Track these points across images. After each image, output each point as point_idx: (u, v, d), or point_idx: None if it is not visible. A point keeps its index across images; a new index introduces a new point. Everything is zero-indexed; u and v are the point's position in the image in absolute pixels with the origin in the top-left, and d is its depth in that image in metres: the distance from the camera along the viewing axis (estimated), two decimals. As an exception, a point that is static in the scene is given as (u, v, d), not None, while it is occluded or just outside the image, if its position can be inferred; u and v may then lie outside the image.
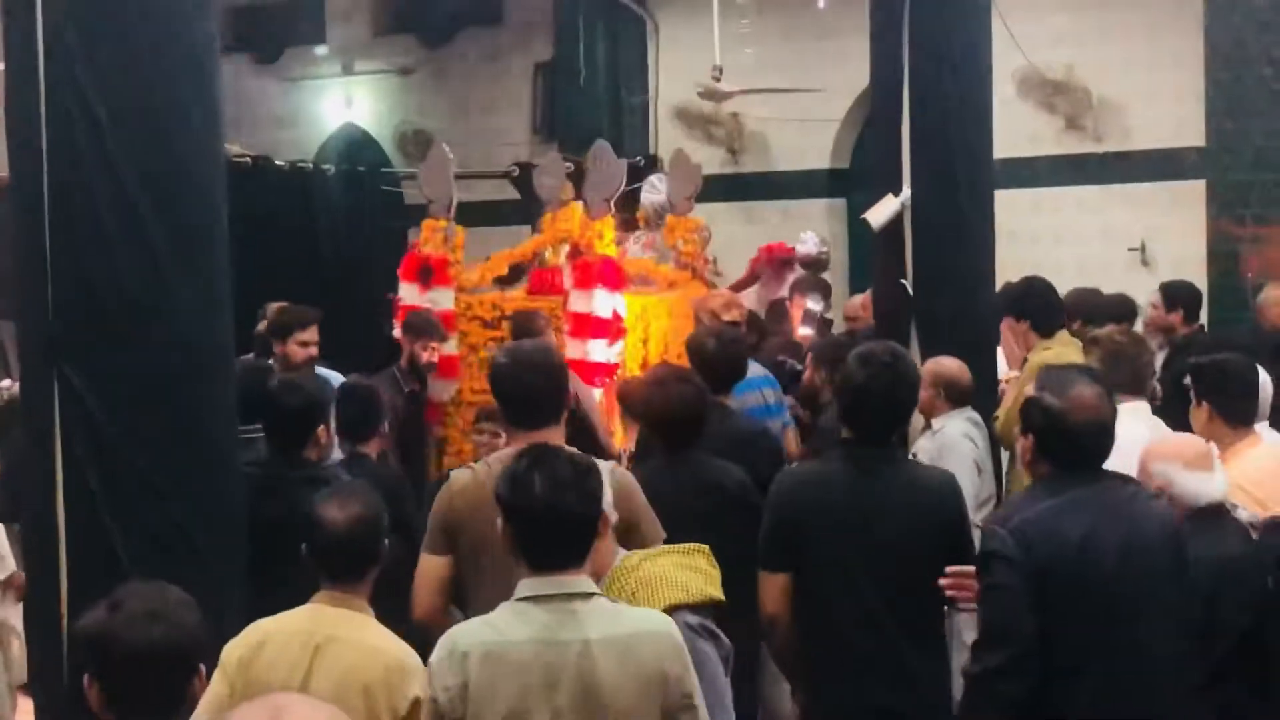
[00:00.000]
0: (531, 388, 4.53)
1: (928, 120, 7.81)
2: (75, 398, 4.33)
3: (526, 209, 12.34)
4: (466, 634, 3.64)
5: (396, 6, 17.07)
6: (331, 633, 3.95)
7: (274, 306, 8.79)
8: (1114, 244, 12.60)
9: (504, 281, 9.94)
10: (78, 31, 4.43)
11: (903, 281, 7.62)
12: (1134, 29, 12.67)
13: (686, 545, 4.12)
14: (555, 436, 4.46)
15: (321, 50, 17.66)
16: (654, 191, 11.37)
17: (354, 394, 6.61)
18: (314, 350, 7.81)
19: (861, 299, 9.55)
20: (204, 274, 4.63)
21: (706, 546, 4.14)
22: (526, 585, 3.61)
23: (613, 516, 3.88)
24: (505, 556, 3.72)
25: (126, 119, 4.49)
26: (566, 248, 9.61)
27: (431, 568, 4.48)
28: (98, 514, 4.15)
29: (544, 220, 9.90)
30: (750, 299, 10.84)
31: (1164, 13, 12.44)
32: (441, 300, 9.23)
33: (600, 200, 9.34)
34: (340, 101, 17.50)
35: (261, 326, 8.75)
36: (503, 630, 3.57)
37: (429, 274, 9.28)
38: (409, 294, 9.31)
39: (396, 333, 9.10)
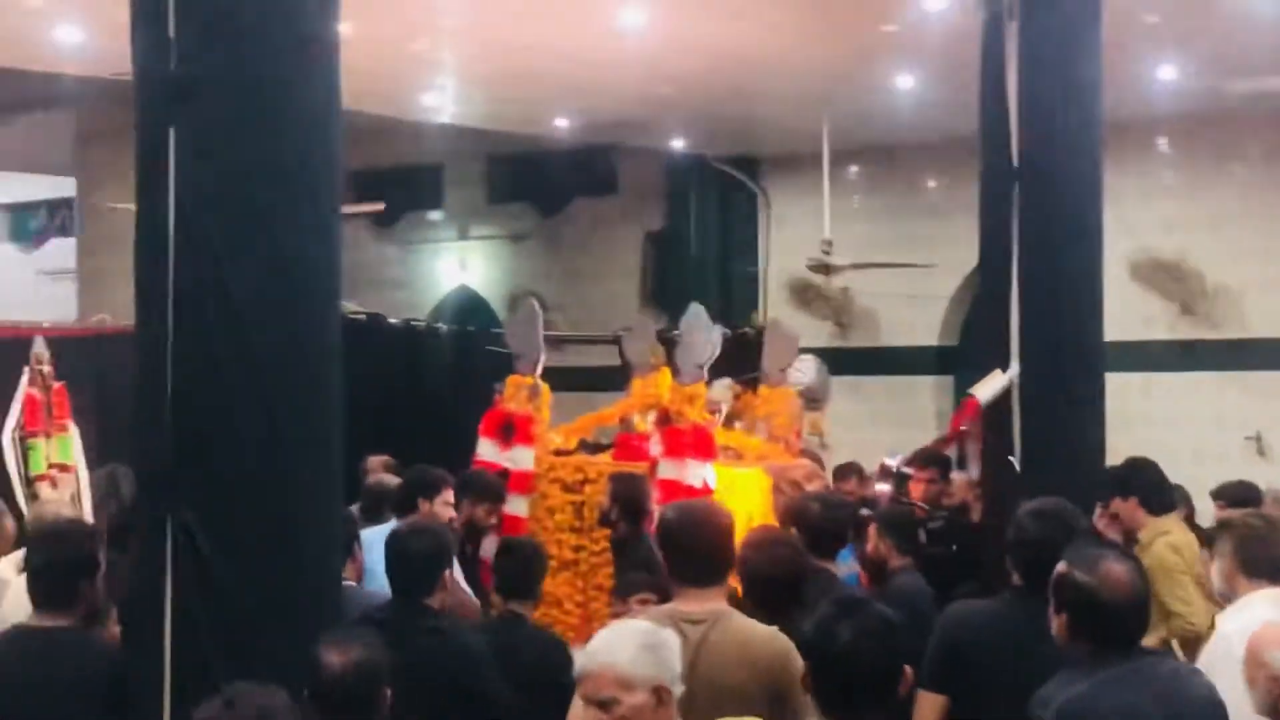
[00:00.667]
0: (705, 544, 4.59)
1: (1037, 300, 7.80)
2: (185, 528, 4.40)
3: (629, 376, 12.46)
4: None
5: (512, 174, 17.45)
6: None
7: (377, 460, 8.88)
8: (1229, 431, 12.46)
9: (590, 448, 9.75)
10: (209, 184, 4.57)
11: (1010, 459, 7.56)
12: (1247, 218, 12.67)
13: None
14: (719, 597, 4.49)
15: (437, 215, 18.06)
16: (799, 374, 11.17)
17: (515, 549, 6.49)
18: (454, 512, 7.60)
19: (960, 478, 9.43)
20: (318, 424, 4.70)
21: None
22: None
23: (677, 690, 3.81)
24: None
25: (252, 270, 4.60)
26: (654, 414, 9.38)
27: None
28: (203, 654, 4.20)
29: (633, 384, 9.71)
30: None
31: (1276, 203, 12.42)
32: (521, 459, 8.94)
33: (692, 366, 9.11)
34: (454, 265, 17.84)
35: (374, 480, 8.65)
36: None
37: (511, 431, 9.02)
38: (488, 451, 8.99)
39: None
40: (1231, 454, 12.07)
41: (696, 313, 9.37)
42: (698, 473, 8.63)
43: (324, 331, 4.86)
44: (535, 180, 16.96)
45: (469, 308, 17.38)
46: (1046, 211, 7.94)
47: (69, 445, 9.07)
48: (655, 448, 8.85)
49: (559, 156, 16.02)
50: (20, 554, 7.39)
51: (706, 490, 8.57)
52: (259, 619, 4.43)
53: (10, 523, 7.02)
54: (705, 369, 9.19)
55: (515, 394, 9.16)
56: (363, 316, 13.31)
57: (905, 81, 11.85)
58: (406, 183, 17.62)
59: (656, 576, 5.62)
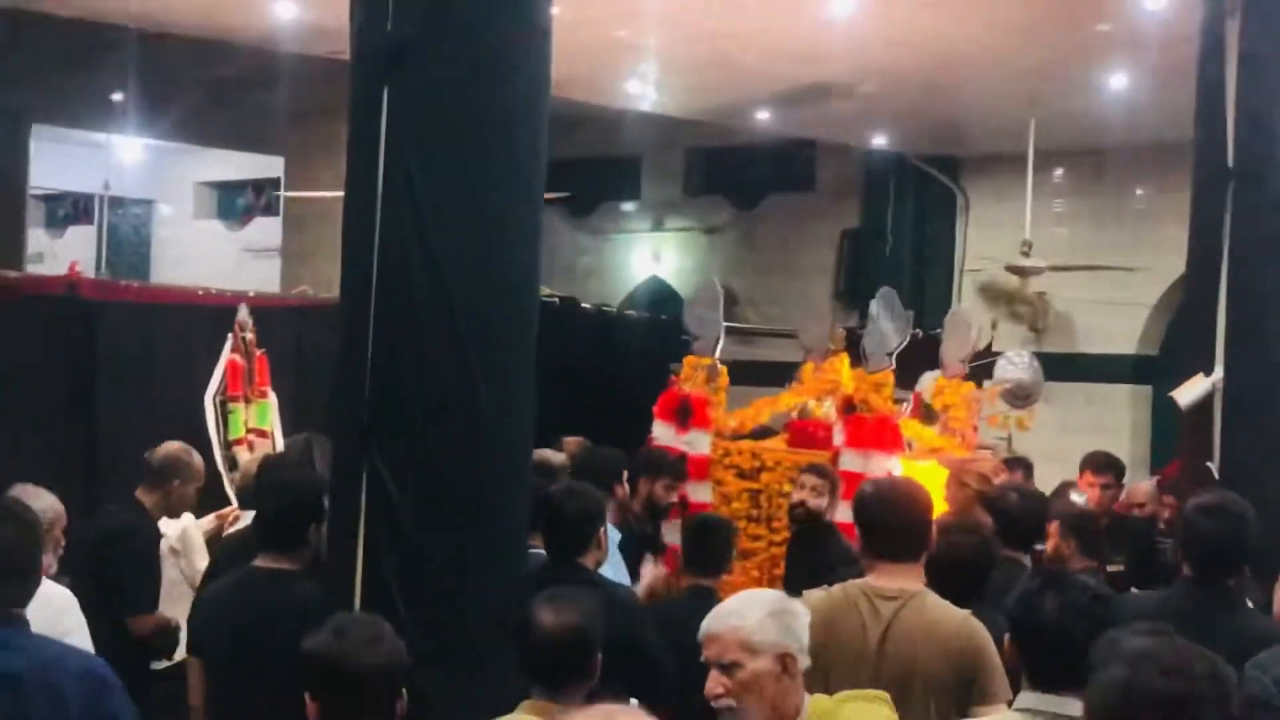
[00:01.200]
0: (903, 518, 4.64)
1: (1246, 306, 7.60)
2: (380, 485, 4.49)
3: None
4: None
5: (708, 168, 17.48)
6: None
7: (572, 440, 8.93)
8: None
9: (759, 434, 9.34)
10: (420, 147, 4.65)
11: (1209, 465, 7.37)
12: None
13: (870, 692, 4.04)
14: (915, 574, 4.47)
15: (633, 205, 18.15)
16: (1012, 368, 10.74)
17: (704, 523, 6.57)
18: (674, 498, 7.72)
19: (1146, 487, 9.18)
20: (510, 385, 4.76)
21: (887, 694, 4.04)
22: (1027, 699, 3.70)
23: (803, 661, 3.83)
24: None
25: (456, 237, 4.68)
26: (830, 400, 9.05)
27: None
28: (392, 602, 4.28)
29: (803, 370, 9.36)
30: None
31: None
32: (698, 443, 8.61)
33: (881, 353, 8.66)
34: (648, 256, 17.92)
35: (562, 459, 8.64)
36: None
37: (688, 414, 8.69)
38: (664, 434, 8.69)
39: None
40: None
41: (888, 297, 8.93)
42: (882, 465, 8.23)
43: (524, 302, 4.94)
44: (732, 174, 16.97)
45: (660, 298, 17.44)
46: (1261, 215, 7.72)
47: (267, 411, 9.30)
48: (838, 437, 8.50)
49: (757, 151, 16.00)
50: (204, 521, 7.66)
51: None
52: (446, 574, 4.51)
53: (199, 460, 7.19)
54: (894, 357, 8.78)
55: (692, 375, 8.88)
56: (556, 300, 13.43)
57: (1118, 82, 11.60)
58: (604, 172, 17.75)
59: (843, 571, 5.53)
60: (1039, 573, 3.93)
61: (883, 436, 8.33)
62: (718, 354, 8.92)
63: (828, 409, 8.97)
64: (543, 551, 5.56)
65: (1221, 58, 8.11)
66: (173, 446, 7.07)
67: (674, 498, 7.92)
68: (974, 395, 9.71)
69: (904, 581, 4.55)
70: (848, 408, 8.57)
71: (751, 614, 3.80)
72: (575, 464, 7.69)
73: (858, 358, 8.86)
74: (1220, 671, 2.91)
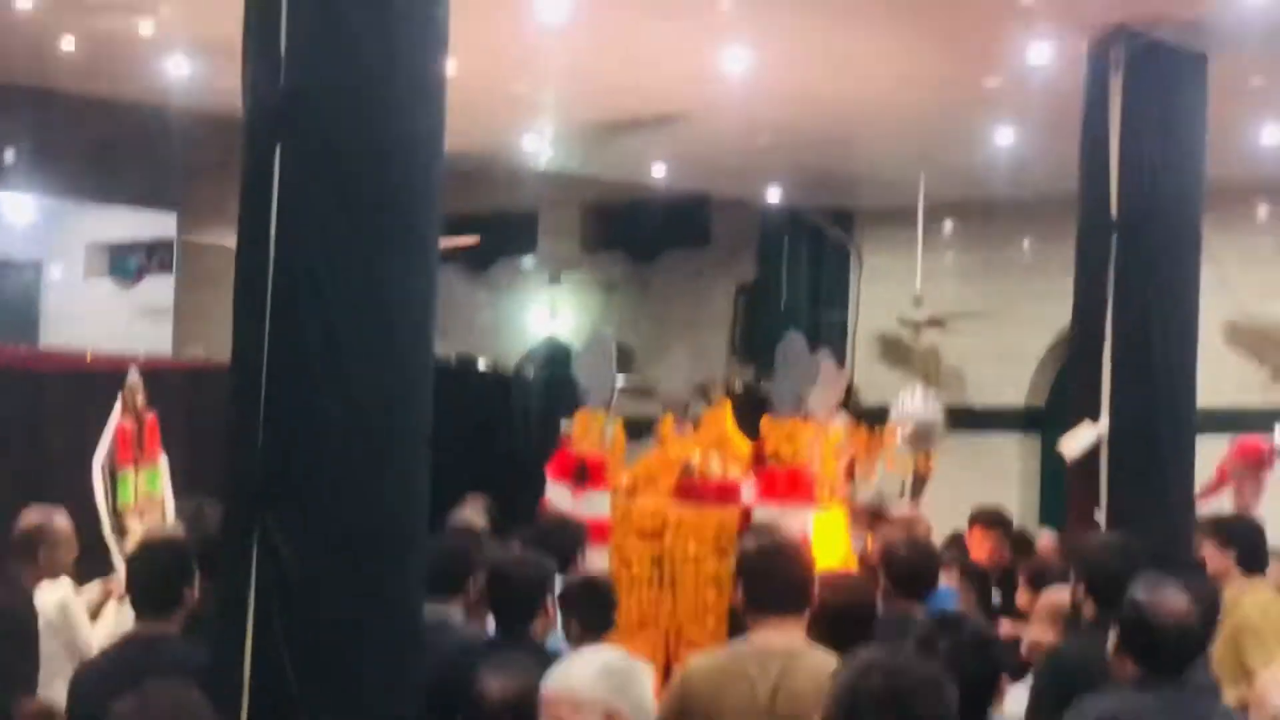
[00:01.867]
0: (784, 573, 4.61)
1: (1131, 356, 7.76)
2: (271, 551, 4.44)
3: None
4: None
5: (605, 224, 17.52)
6: None
7: (474, 501, 8.87)
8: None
9: None
10: (312, 204, 4.62)
11: (1096, 518, 7.49)
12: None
13: None
14: (798, 629, 4.51)
15: (530, 261, 18.16)
16: (912, 406, 10.41)
17: (578, 583, 6.31)
18: None
19: (1043, 539, 9.30)
20: (405, 448, 4.74)
21: None
22: None
23: None
24: None
25: (349, 294, 4.65)
26: (716, 455, 8.56)
27: None
28: (281, 667, 4.22)
29: (662, 425, 8.77)
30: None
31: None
32: (597, 505, 8.20)
33: (790, 400, 8.26)
34: (545, 312, 17.91)
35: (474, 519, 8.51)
36: None
37: (584, 475, 8.31)
38: (559, 497, 8.29)
39: None
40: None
41: (795, 340, 8.61)
42: (798, 518, 7.77)
43: (418, 364, 4.91)
44: (629, 229, 17.01)
45: (558, 355, 17.42)
46: (1143, 268, 7.92)
47: (158, 477, 9.14)
48: (747, 493, 8.12)
49: (653, 206, 16.06)
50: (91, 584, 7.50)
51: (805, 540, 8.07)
52: (339, 640, 4.46)
53: (63, 523, 7.04)
54: (805, 403, 8.35)
55: (585, 433, 8.48)
56: (450, 360, 13.38)
57: (1005, 136, 11.80)
58: (501, 227, 17.71)
59: None
60: (934, 620, 3.94)
61: (797, 488, 7.99)
62: (612, 409, 8.58)
63: (713, 463, 8.55)
64: (444, 609, 5.55)
65: (1105, 113, 8.31)
66: (33, 515, 6.92)
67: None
68: (829, 444, 9.34)
69: (789, 637, 4.54)
70: (758, 459, 8.20)
71: (582, 672, 3.73)
72: (534, 532, 7.36)
73: (752, 409, 8.76)
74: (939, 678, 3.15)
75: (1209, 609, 4.59)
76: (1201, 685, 4.38)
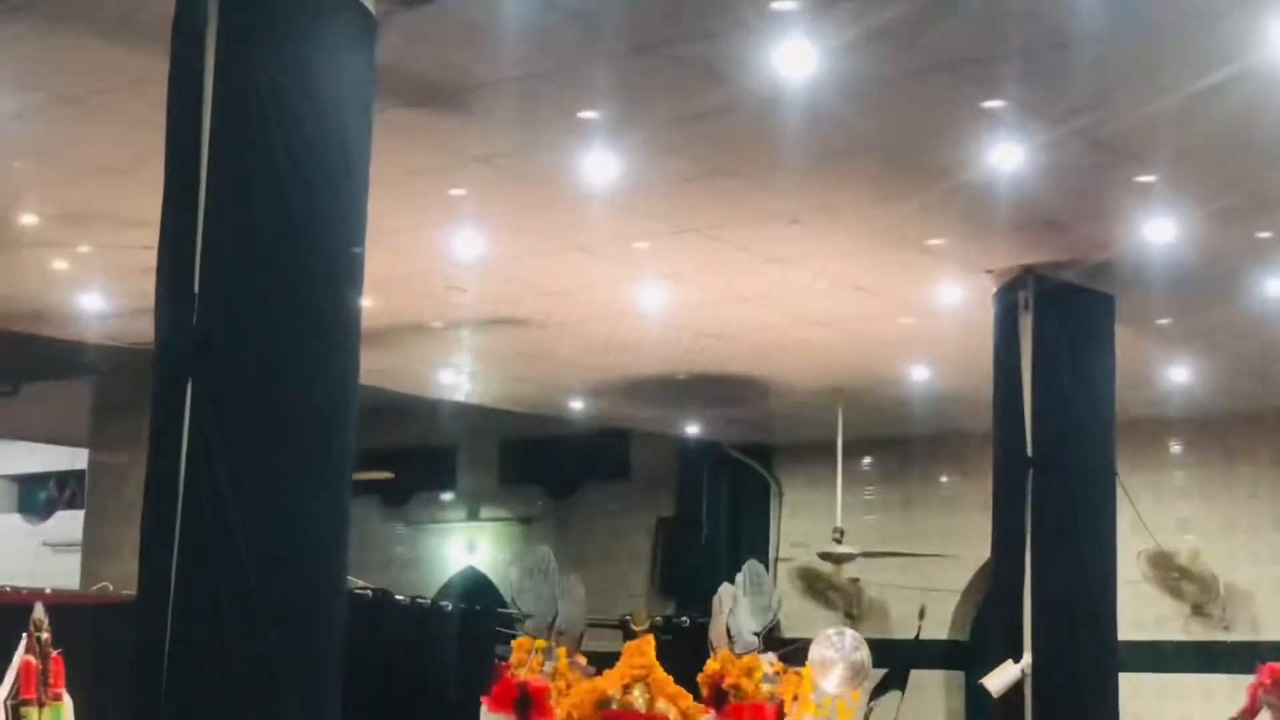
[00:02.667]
0: None
1: (1051, 595, 7.75)
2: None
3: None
4: None
5: (524, 457, 17.50)
6: None
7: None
8: (1243, 736, 12.19)
9: None
10: (221, 455, 4.56)
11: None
12: (1258, 520, 12.63)
13: None
14: None
15: (448, 495, 18.06)
16: (832, 649, 9.79)
17: None
18: None
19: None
20: (316, 685, 4.63)
21: None
22: None
23: None
24: None
25: (259, 527, 4.57)
26: (640, 687, 8.33)
27: None
28: None
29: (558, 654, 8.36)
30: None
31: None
32: None
33: (749, 633, 8.15)
34: (463, 546, 17.75)
35: None
36: None
37: (528, 704, 7.94)
38: None
39: None
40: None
41: (756, 572, 8.44)
42: None
43: (331, 597, 4.82)
44: (547, 463, 17.00)
45: (476, 589, 17.22)
46: (1060, 504, 7.97)
47: (61, 714, 8.86)
48: None
49: (572, 440, 16.08)
50: None
51: None
52: None
53: None
54: (761, 637, 8.30)
55: (525, 659, 8.12)
56: (369, 593, 13.17)
57: (920, 373, 11.95)
58: (420, 461, 17.66)
59: None
60: None
61: None
62: (554, 634, 8.30)
63: (637, 696, 8.37)
64: None
65: (1016, 350, 8.43)
66: None
67: None
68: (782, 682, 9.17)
69: None
70: (718, 696, 8.01)
71: None
72: None
73: (677, 643, 8.59)
74: None
75: None
76: None
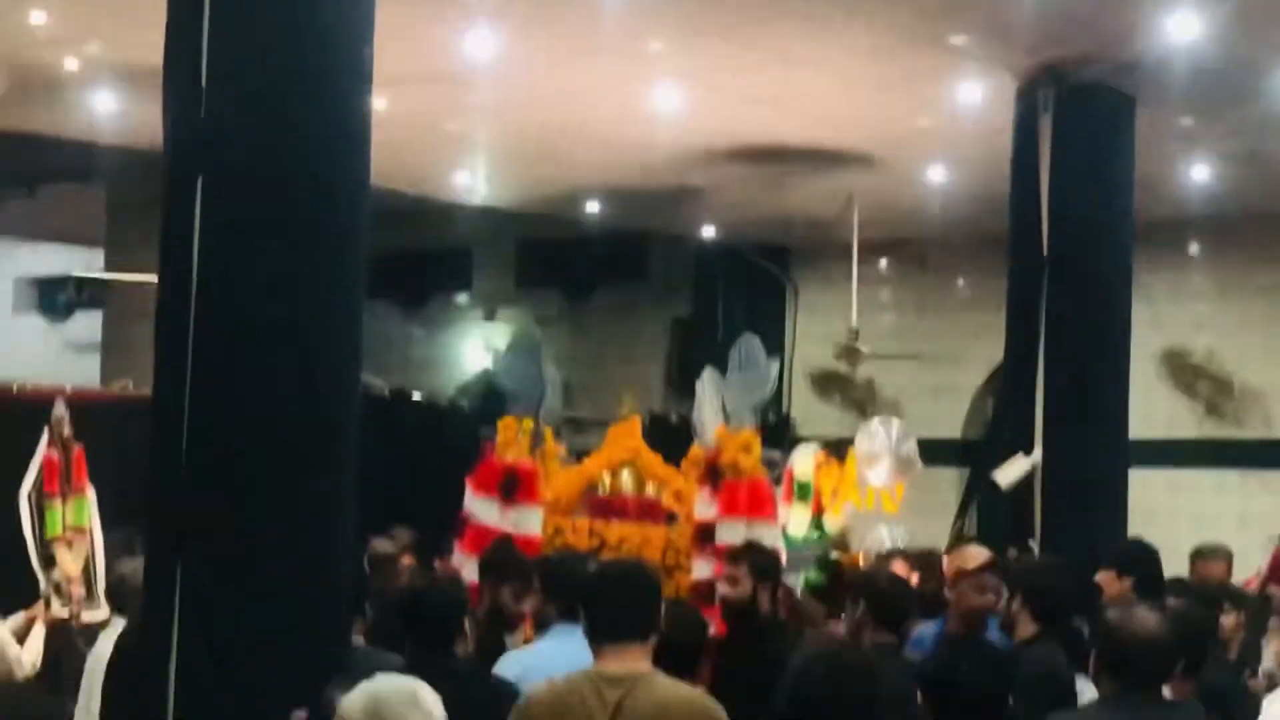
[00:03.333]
0: (627, 599, 4.31)
1: (1064, 393, 7.79)
2: (196, 583, 4.38)
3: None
4: None
5: (540, 260, 17.50)
6: None
7: (404, 533, 8.80)
8: (1252, 531, 12.31)
9: None
10: (234, 250, 4.57)
11: (1030, 544, 7.50)
12: (1275, 321, 12.63)
13: None
14: (642, 656, 4.23)
15: (465, 298, 18.12)
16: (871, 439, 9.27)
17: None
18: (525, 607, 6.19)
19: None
20: (331, 481, 4.69)
21: None
22: None
23: None
24: None
25: (275, 331, 4.60)
26: (628, 470, 7.89)
27: None
28: (207, 698, 4.13)
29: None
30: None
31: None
32: (526, 522, 7.34)
33: (745, 408, 7.56)
34: (480, 347, 17.85)
35: (393, 548, 8.34)
36: None
37: (514, 486, 7.38)
38: (483, 511, 7.40)
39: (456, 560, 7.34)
40: (1253, 553, 11.92)
41: (751, 346, 7.82)
42: (766, 534, 7.07)
43: (345, 395, 4.86)
44: (564, 265, 17.01)
45: (493, 389, 17.35)
46: (1075, 304, 7.97)
47: (85, 508, 9.03)
48: (706, 508, 7.31)
49: (588, 242, 16.07)
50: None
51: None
52: (262, 671, 4.39)
53: None
54: (758, 413, 7.76)
55: (512, 440, 7.53)
56: (385, 393, 13.30)
57: (936, 175, 11.87)
58: (436, 264, 17.68)
59: None
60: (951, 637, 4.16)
61: (762, 502, 7.25)
62: (541, 414, 7.69)
63: (626, 479, 7.93)
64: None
65: (1035, 152, 8.37)
66: None
67: (525, 607, 6.22)
68: (822, 473, 8.92)
69: (631, 664, 4.22)
70: (713, 474, 7.44)
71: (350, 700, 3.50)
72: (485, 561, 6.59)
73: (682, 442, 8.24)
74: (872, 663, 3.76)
75: (1189, 626, 4.80)
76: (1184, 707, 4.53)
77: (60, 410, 9.04)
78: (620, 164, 12.13)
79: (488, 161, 12.99)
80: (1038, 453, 7.65)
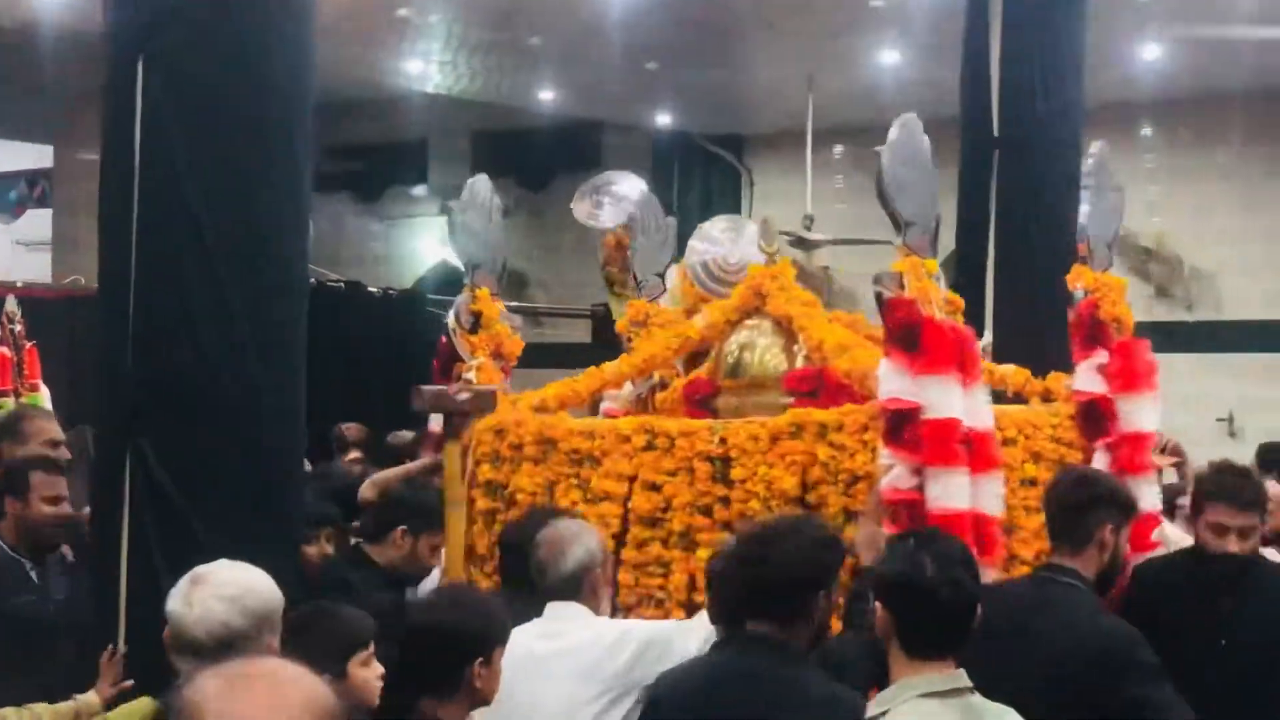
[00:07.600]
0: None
1: (1013, 278, 7.81)
2: (146, 474, 4.37)
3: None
4: None
5: (496, 150, 17.40)
6: None
7: (353, 427, 8.82)
8: (1202, 413, 12.47)
9: None
10: (178, 137, 4.51)
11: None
12: (1227, 202, 12.69)
13: None
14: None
15: (420, 190, 18.01)
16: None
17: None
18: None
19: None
20: (282, 368, 4.67)
21: None
22: (922, 681, 3.29)
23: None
24: None
25: (221, 219, 4.55)
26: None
27: None
28: (159, 589, 4.14)
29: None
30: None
31: (1256, 187, 12.44)
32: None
33: (651, 273, 6.99)
34: (436, 240, 17.79)
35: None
36: None
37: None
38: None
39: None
40: (1203, 436, 12.09)
41: (654, 210, 7.12)
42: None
43: (294, 283, 4.82)
44: (519, 156, 16.90)
45: (450, 281, 17.31)
46: (1025, 186, 7.94)
47: (39, 404, 9.01)
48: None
49: (544, 132, 15.97)
50: None
51: None
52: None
53: None
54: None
55: (494, 315, 6.36)
56: (341, 284, 13.26)
57: (890, 58, 11.82)
58: (390, 156, 17.56)
59: None
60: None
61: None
62: (502, 282, 6.57)
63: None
64: None
65: (986, 31, 8.31)
66: None
67: (437, 561, 5.64)
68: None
69: None
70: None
71: None
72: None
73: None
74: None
75: None
76: None
77: (11, 306, 9.00)
78: (575, 50, 12.04)
79: (440, 49, 12.87)
80: (988, 335, 7.67)
